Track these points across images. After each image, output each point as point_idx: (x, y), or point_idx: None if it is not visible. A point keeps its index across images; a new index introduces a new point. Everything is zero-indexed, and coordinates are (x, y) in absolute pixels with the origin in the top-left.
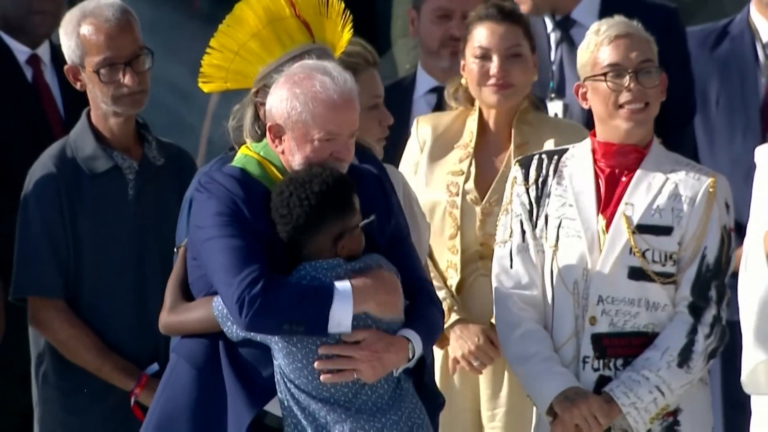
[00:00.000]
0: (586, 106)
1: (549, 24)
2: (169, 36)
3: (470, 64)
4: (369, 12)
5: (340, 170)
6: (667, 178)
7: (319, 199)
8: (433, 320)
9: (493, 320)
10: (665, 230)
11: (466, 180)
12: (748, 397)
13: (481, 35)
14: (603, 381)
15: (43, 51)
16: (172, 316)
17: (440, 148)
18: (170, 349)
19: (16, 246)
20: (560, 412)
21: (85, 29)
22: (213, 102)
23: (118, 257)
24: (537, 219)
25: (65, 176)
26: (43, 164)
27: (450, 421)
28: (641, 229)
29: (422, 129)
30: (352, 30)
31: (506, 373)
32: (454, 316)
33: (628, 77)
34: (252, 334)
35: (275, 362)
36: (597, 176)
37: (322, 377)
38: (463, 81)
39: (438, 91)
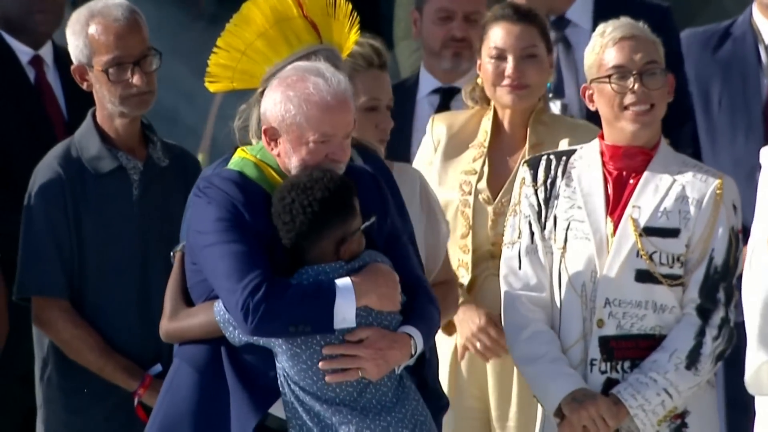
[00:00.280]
0: (593, 108)
1: None
2: (174, 37)
3: (486, 64)
4: (372, 14)
5: (338, 172)
6: (674, 180)
7: (322, 206)
8: (431, 317)
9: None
10: (672, 232)
11: (479, 179)
12: (752, 398)
13: (496, 35)
14: (610, 383)
15: (46, 52)
16: (172, 323)
17: (455, 147)
18: (173, 354)
19: (20, 245)
20: (568, 413)
21: (94, 29)
22: (216, 103)
23: (122, 257)
24: (545, 220)
25: (70, 176)
26: (47, 164)
27: (457, 419)
28: (648, 231)
29: (437, 127)
30: (358, 31)
31: (515, 372)
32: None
33: (632, 79)
34: (255, 338)
35: (278, 365)
36: (605, 178)
37: (327, 377)
38: (478, 80)
39: (441, 92)
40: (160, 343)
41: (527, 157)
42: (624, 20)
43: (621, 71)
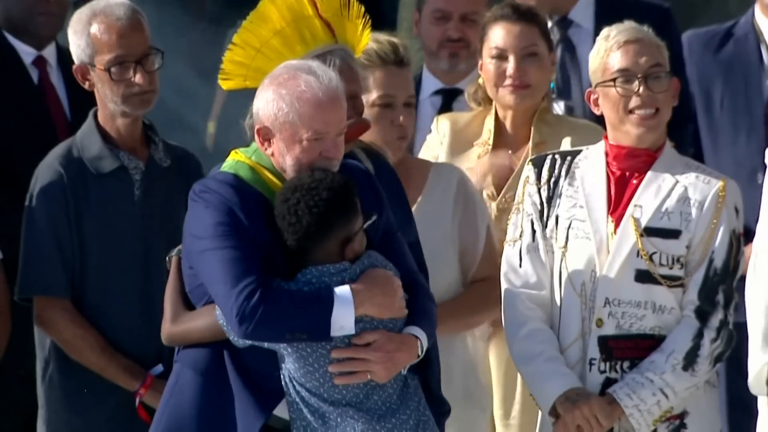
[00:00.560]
0: (597, 112)
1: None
2: (176, 37)
3: (487, 64)
4: (374, 15)
5: (338, 172)
6: (677, 181)
7: (328, 206)
8: (431, 315)
9: None
10: (673, 233)
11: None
12: (754, 399)
13: (497, 36)
14: (609, 383)
15: (49, 53)
16: (174, 326)
17: (459, 145)
18: (174, 359)
19: (22, 246)
20: (562, 412)
21: (96, 28)
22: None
23: (124, 257)
24: (547, 219)
25: (71, 176)
26: (49, 164)
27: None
28: (649, 231)
29: (442, 124)
30: (370, 33)
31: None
32: None
33: (637, 82)
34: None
35: (283, 366)
36: (608, 178)
37: (336, 379)
38: (480, 81)
39: (443, 93)
40: (162, 344)
41: (531, 156)
42: (628, 24)
43: (626, 75)
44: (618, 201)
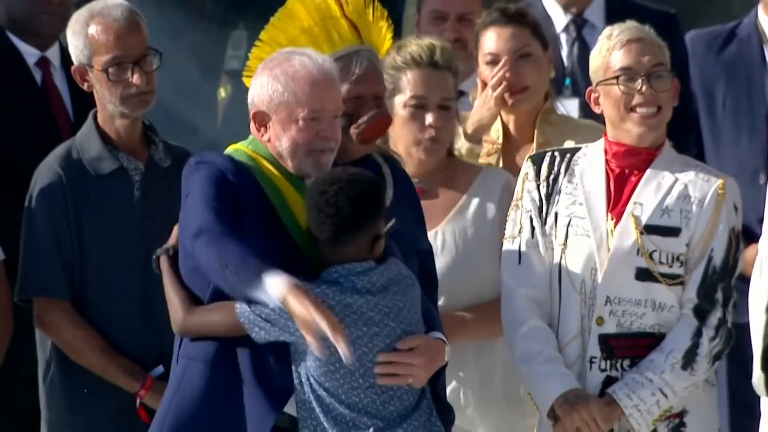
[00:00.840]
0: (598, 111)
1: (561, 23)
2: (176, 37)
3: (483, 71)
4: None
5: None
6: (677, 179)
7: (367, 199)
8: (439, 317)
9: None
10: (673, 231)
11: None
12: (756, 399)
13: (489, 41)
14: (609, 381)
15: (53, 53)
16: (190, 317)
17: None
18: (178, 355)
19: (22, 247)
20: (561, 415)
21: (94, 29)
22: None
23: (124, 258)
24: (546, 216)
25: (70, 177)
26: (48, 165)
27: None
28: (649, 229)
29: None
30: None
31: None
32: None
33: (640, 81)
34: (281, 337)
35: (302, 364)
36: (607, 176)
37: (379, 379)
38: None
39: None
40: (162, 344)
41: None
42: (630, 23)
43: (628, 73)
44: (617, 198)
